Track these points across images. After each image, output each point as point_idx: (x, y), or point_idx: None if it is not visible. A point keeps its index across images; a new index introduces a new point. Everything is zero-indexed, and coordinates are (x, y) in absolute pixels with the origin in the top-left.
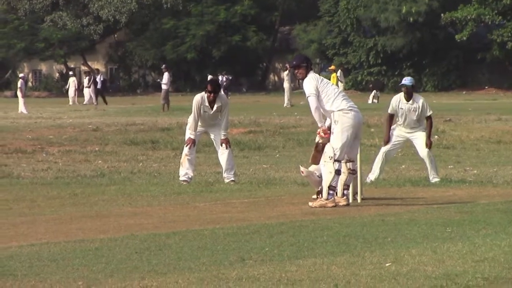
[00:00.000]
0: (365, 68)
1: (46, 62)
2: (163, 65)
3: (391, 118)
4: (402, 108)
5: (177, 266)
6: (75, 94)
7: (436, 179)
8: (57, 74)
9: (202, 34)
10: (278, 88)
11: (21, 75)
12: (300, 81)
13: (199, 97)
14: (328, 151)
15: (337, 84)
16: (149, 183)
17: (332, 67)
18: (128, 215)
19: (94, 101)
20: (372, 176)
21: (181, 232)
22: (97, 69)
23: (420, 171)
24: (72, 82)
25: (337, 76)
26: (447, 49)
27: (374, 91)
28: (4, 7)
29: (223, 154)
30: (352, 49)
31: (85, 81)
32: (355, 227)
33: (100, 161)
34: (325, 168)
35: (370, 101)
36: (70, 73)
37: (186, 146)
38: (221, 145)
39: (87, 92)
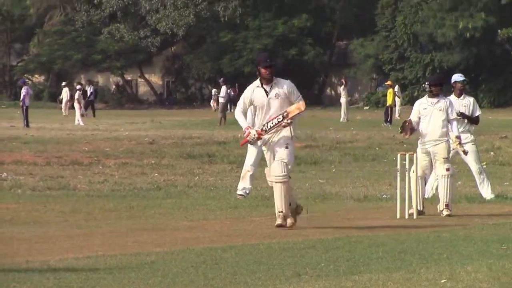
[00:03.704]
0: (421, 84)
1: (103, 74)
2: (221, 79)
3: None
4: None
5: (233, 280)
6: (66, 105)
7: (491, 196)
8: (114, 86)
9: (259, 48)
10: (334, 102)
11: (78, 86)
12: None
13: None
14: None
15: (394, 100)
16: (205, 196)
17: (389, 82)
18: (184, 229)
19: (83, 110)
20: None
21: (237, 246)
22: (89, 81)
23: (476, 188)
24: (64, 92)
25: (394, 92)
26: (503, 65)
27: None
28: (62, 18)
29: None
30: (409, 64)
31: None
32: (410, 243)
33: (156, 174)
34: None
35: None
36: (63, 83)
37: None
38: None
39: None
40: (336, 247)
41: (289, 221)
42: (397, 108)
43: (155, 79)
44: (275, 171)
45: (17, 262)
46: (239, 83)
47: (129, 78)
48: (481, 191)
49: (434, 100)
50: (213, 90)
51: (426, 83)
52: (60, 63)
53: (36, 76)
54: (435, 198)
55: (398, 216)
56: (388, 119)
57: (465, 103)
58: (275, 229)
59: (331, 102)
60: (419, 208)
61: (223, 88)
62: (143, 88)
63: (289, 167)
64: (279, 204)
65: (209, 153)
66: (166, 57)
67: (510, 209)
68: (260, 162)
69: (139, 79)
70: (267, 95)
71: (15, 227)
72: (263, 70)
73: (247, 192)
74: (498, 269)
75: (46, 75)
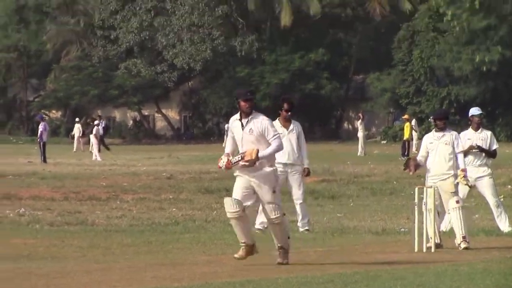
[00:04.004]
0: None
1: (120, 109)
2: None
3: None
4: (470, 139)
5: None
6: (78, 141)
7: (509, 229)
8: (131, 121)
9: (276, 83)
10: (352, 136)
11: (96, 121)
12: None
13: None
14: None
15: (411, 133)
16: (223, 231)
17: (406, 116)
18: (203, 263)
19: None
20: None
21: (255, 280)
22: (99, 116)
23: (493, 221)
24: (77, 128)
25: (412, 125)
26: None
27: None
28: (78, 53)
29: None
30: (426, 98)
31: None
32: (428, 277)
33: (174, 209)
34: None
35: None
36: (76, 119)
37: None
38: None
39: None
40: (354, 281)
41: (240, 252)
42: (414, 142)
43: (172, 114)
44: (268, 214)
45: None
46: None
47: (146, 113)
48: (498, 224)
49: (440, 134)
50: (226, 126)
51: (431, 117)
52: (77, 98)
53: (53, 111)
54: (452, 231)
55: (416, 250)
56: (406, 153)
57: (482, 137)
58: (293, 264)
59: (348, 136)
60: (436, 241)
61: None
62: (160, 123)
63: (280, 209)
64: (279, 239)
65: (226, 187)
66: (183, 92)
67: None
68: (283, 198)
69: (156, 114)
70: (242, 129)
71: (33, 262)
72: (242, 103)
73: (265, 226)
74: None
75: (63, 111)
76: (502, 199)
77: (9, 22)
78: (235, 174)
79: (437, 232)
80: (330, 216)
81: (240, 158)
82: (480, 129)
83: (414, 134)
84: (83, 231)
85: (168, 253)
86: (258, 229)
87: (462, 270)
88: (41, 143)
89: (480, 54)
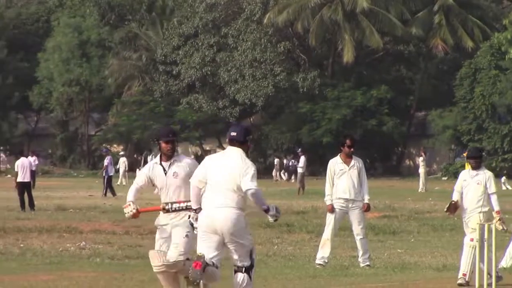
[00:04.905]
0: (499, 155)
1: (181, 144)
2: (299, 149)
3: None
4: None
5: None
6: (124, 175)
7: None
8: (192, 156)
9: (338, 118)
10: (413, 173)
11: (149, 156)
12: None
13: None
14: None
15: None
16: (284, 266)
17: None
18: None
19: None
20: (505, 262)
21: None
22: (150, 150)
23: None
24: (122, 162)
25: None
26: None
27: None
28: (140, 88)
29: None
30: (487, 135)
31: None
32: None
33: None
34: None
35: (503, 188)
36: (121, 153)
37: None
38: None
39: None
40: None
41: None
42: None
43: None
44: (169, 255)
45: None
46: (317, 153)
47: (207, 148)
48: None
49: (474, 173)
50: (275, 160)
51: (466, 156)
52: (138, 133)
53: (115, 146)
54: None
55: (476, 286)
56: None
57: None
58: None
59: (409, 173)
60: (466, 279)
61: (302, 158)
62: None
63: (183, 257)
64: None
65: (287, 222)
66: None
67: None
68: (344, 233)
69: (218, 149)
70: (165, 174)
71: None
72: (163, 145)
73: (326, 261)
74: None
75: (124, 145)
76: None
77: (71, 56)
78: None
79: (469, 268)
80: (391, 252)
81: (185, 208)
82: None
83: None
84: (143, 265)
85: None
86: (319, 264)
87: None
88: (106, 177)
89: None
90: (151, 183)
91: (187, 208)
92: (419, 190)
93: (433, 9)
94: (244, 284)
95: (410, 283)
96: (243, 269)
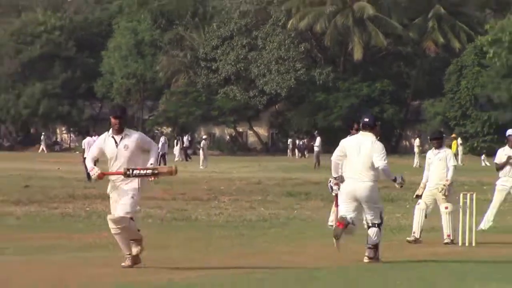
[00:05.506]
0: (480, 137)
1: (219, 126)
2: (316, 131)
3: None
4: (507, 154)
5: None
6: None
7: None
8: (228, 137)
9: (347, 106)
10: (409, 151)
11: (204, 136)
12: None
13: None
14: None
15: (457, 149)
16: (303, 227)
17: (454, 135)
18: (286, 253)
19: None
20: (483, 225)
21: (326, 267)
22: (186, 132)
23: None
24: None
25: (458, 142)
26: None
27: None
28: (185, 81)
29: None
30: (470, 121)
31: (180, 142)
32: (470, 264)
33: (262, 208)
34: None
35: (483, 164)
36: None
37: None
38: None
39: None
40: (411, 268)
41: (134, 249)
42: (460, 156)
43: (262, 131)
44: (116, 213)
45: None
46: (330, 135)
47: (240, 130)
48: None
49: (436, 151)
50: (289, 140)
51: (429, 137)
52: (184, 118)
53: (164, 128)
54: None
55: (460, 244)
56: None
57: None
58: (360, 254)
59: (406, 151)
60: (416, 236)
61: (318, 139)
62: (252, 139)
63: (129, 215)
64: (125, 248)
65: (306, 191)
66: (271, 113)
67: None
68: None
69: (249, 131)
70: (116, 146)
71: (145, 251)
72: (112, 120)
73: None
74: None
75: (172, 127)
76: None
77: (129, 54)
78: (109, 191)
79: (419, 228)
80: (389, 216)
81: (145, 174)
82: None
83: (460, 150)
84: (187, 226)
85: (257, 244)
86: (331, 225)
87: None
88: (160, 153)
89: None
90: (104, 154)
91: (146, 175)
92: (414, 166)
93: (427, 16)
94: (376, 236)
95: (405, 242)
96: (376, 224)
